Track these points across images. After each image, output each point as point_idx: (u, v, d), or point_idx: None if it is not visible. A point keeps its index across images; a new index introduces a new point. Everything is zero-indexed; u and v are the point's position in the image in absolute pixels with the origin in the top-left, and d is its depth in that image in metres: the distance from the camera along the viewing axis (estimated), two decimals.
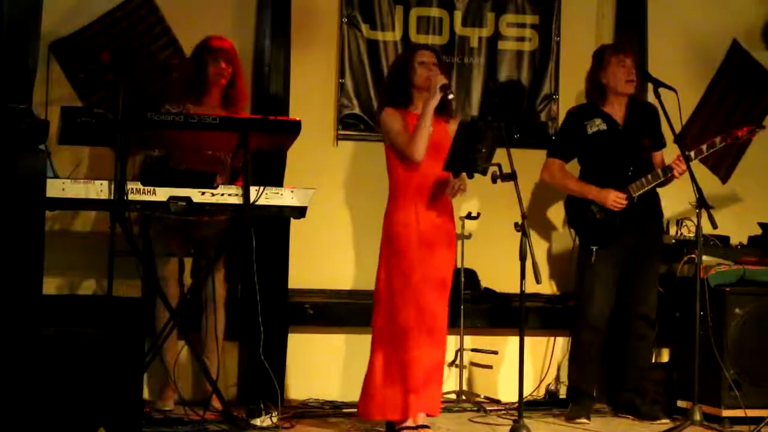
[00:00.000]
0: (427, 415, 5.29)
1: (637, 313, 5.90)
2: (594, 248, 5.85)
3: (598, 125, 5.90)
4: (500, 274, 6.38)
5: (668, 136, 5.80)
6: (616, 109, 5.93)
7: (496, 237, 6.39)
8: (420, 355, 5.17)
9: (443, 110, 5.31)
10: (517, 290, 5.09)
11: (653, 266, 5.96)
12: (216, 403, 5.48)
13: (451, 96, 5.24)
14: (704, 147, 5.81)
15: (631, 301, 5.92)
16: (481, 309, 6.31)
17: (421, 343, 5.18)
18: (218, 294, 5.65)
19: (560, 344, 6.21)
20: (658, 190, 5.97)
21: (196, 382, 5.97)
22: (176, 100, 5.61)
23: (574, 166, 6.05)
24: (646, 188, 5.82)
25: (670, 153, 5.96)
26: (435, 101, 5.19)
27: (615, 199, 5.79)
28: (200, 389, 5.84)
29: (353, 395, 5.92)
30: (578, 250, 6.00)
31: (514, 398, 5.56)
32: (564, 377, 6.16)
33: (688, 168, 5.61)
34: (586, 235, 5.92)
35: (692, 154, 5.76)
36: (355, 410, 5.71)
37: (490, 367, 6.30)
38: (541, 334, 6.33)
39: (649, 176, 5.82)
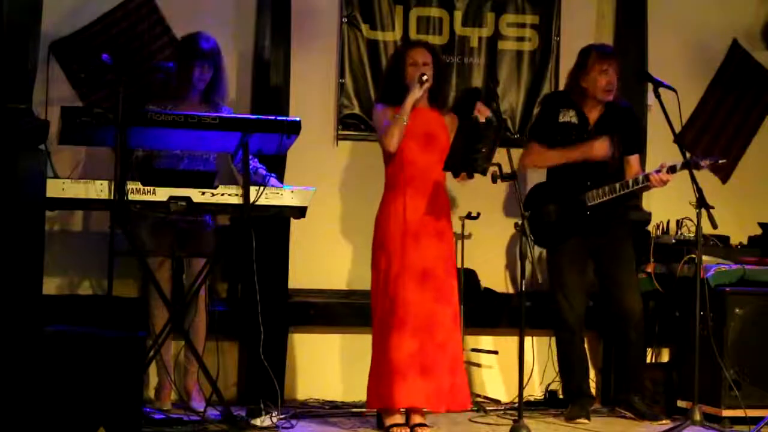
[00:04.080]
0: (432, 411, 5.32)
1: (619, 313, 5.89)
2: (544, 251, 5.90)
3: (570, 116, 5.89)
4: (500, 274, 6.38)
5: (668, 136, 5.80)
6: (592, 109, 5.91)
7: (496, 237, 6.40)
8: (388, 347, 5.17)
9: (434, 100, 5.38)
10: (517, 290, 5.09)
11: (625, 262, 5.92)
12: (194, 404, 5.53)
13: (425, 77, 5.27)
14: (666, 167, 5.74)
15: (612, 300, 5.92)
16: (481, 309, 6.31)
17: (393, 334, 5.18)
18: (201, 295, 5.63)
19: (555, 344, 6.19)
20: (652, 192, 5.97)
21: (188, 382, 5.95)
22: (157, 99, 5.61)
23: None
24: (604, 199, 5.80)
25: (669, 153, 5.97)
26: (414, 95, 5.27)
27: (599, 147, 5.77)
28: (189, 389, 5.82)
29: (353, 395, 5.95)
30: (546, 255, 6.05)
31: (514, 398, 5.57)
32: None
33: (688, 168, 5.60)
34: (536, 235, 5.94)
35: (653, 172, 5.73)
36: (356, 410, 5.75)
37: (479, 365, 6.32)
38: (541, 334, 6.32)
39: (607, 188, 5.78)
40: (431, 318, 5.25)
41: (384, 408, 5.26)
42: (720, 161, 5.82)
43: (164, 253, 5.55)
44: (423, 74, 5.28)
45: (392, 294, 5.23)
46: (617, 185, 5.78)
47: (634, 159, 5.98)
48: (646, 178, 5.73)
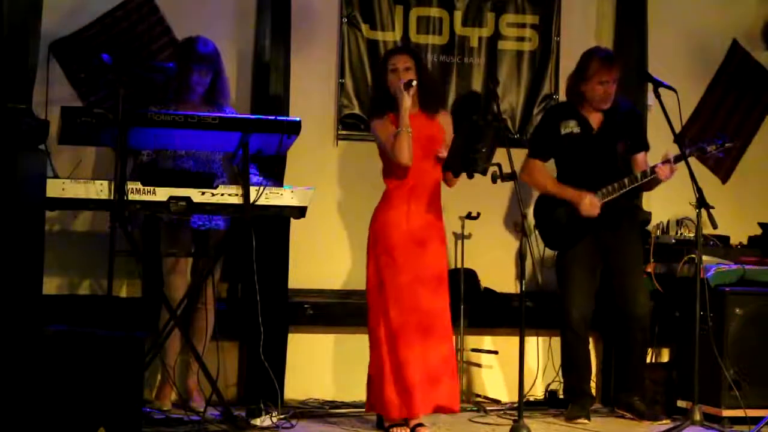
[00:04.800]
0: (446, 411, 5.31)
1: (626, 314, 5.89)
2: (556, 253, 5.91)
3: (571, 127, 5.90)
4: (500, 274, 6.38)
5: (668, 136, 5.80)
6: (594, 114, 5.92)
7: (496, 237, 6.40)
8: (413, 354, 5.17)
9: (425, 106, 5.35)
10: (517, 290, 5.09)
11: (635, 265, 5.94)
12: (195, 404, 5.55)
13: (414, 83, 5.25)
14: (672, 157, 5.75)
15: (619, 302, 5.92)
16: (481, 309, 6.31)
17: (413, 343, 5.18)
18: (210, 295, 5.63)
19: (560, 344, 6.20)
20: (652, 192, 5.99)
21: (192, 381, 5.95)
22: (159, 101, 5.61)
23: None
24: (615, 195, 5.80)
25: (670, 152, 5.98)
26: (406, 103, 5.24)
27: (589, 205, 5.78)
28: (191, 388, 5.82)
29: (353, 395, 5.94)
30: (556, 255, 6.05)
31: (514, 398, 5.57)
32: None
33: (688, 168, 5.61)
34: (547, 239, 5.95)
35: (659, 163, 5.74)
36: (355, 410, 5.74)
37: (479, 365, 6.32)
38: (541, 334, 6.33)
39: (616, 184, 5.79)
40: (446, 321, 5.28)
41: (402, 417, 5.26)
42: (726, 144, 5.81)
43: (177, 253, 5.56)
44: (411, 80, 5.26)
45: (409, 302, 5.22)
46: (626, 180, 5.80)
47: (641, 157, 5.98)
48: (653, 170, 5.74)
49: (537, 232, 6.07)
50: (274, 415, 5.28)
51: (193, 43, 5.64)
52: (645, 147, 6.02)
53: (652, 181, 5.80)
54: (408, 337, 5.18)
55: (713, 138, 5.92)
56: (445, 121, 5.41)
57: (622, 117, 5.93)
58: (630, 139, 5.93)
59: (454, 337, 5.38)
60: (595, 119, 5.91)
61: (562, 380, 6.09)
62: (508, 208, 6.49)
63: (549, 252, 6.06)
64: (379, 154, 5.41)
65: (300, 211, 5.29)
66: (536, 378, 6.33)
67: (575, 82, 5.91)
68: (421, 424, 5.25)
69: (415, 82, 5.26)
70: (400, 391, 5.19)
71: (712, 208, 5.51)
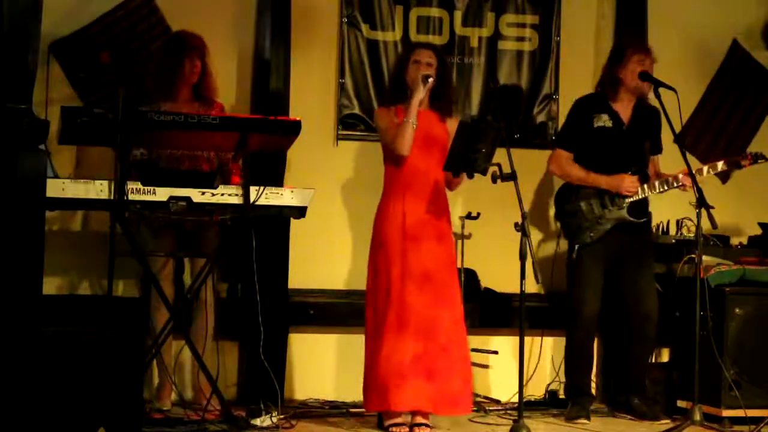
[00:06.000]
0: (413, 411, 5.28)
1: (636, 315, 5.90)
2: (576, 246, 5.90)
3: (604, 121, 5.90)
4: (500, 274, 6.38)
5: (668, 136, 5.80)
6: (625, 107, 5.92)
7: (496, 237, 6.39)
8: (388, 349, 5.17)
9: (438, 105, 5.37)
10: (517, 290, 5.09)
11: (647, 267, 5.95)
12: (201, 398, 5.53)
13: (431, 79, 5.27)
14: (705, 168, 5.81)
15: (630, 302, 5.93)
16: (481, 309, 6.31)
17: (390, 337, 5.18)
18: (209, 296, 5.62)
19: (560, 344, 6.20)
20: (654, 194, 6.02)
21: (196, 381, 5.95)
22: (149, 99, 5.60)
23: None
24: (642, 196, 5.83)
25: (669, 153, 5.98)
26: (419, 95, 5.27)
27: (630, 182, 5.79)
28: (197, 389, 5.81)
29: (353, 395, 5.94)
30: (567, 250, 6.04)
31: (514, 398, 5.56)
32: (564, 377, 6.16)
33: (689, 169, 5.62)
34: (567, 231, 5.95)
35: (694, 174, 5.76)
36: (355, 410, 5.75)
37: (487, 366, 6.33)
38: (542, 334, 6.32)
39: (647, 187, 5.81)
40: (432, 321, 5.24)
41: (385, 411, 5.26)
42: (761, 160, 5.88)
43: (166, 253, 5.55)
44: (428, 75, 5.28)
45: (394, 297, 5.22)
46: (656, 183, 5.82)
47: (656, 159, 6.02)
48: (676, 178, 5.78)
49: (558, 223, 6.08)
50: (274, 415, 5.28)
51: (182, 34, 5.66)
52: (660, 149, 6.03)
53: (676, 186, 5.84)
54: (386, 329, 5.19)
55: (748, 153, 5.97)
56: (453, 126, 5.39)
57: (650, 116, 5.95)
58: (651, 139, 5.95)
59: (454, 338, 5.33)
60: (625, 114, 5.92)
61: (562, 380, 6.08)
62: (508, 208, 6.48)
63: (559, 251, 6.07)
64: (381, 144, 5.44)
65: (300, 211, 5.29)
66: (539, 378, 6.32)
67: (612, 68, 5.91)
68: (421, 424, 5.26)
69: (432, 79, 5.27)
70: (374, 384, 5.21)
71: (712, 208, 5.52)
